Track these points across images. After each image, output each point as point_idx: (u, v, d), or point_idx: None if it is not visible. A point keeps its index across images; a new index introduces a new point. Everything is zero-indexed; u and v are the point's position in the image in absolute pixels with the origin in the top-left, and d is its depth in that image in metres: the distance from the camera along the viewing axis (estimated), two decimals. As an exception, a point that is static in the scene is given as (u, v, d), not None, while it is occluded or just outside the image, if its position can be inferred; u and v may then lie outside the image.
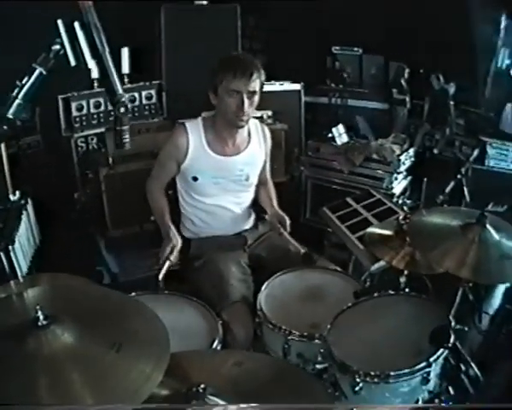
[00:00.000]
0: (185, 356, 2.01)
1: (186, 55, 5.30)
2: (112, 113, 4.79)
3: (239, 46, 5.61)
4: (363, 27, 6.41)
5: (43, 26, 2.21)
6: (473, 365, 2.76)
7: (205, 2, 5.76)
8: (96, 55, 2.18)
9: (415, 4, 5.98)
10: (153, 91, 5.46)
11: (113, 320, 1.82)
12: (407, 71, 6.76)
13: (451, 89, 6.57)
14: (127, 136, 2.29)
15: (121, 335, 1.73)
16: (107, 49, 2.19)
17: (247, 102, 3.17)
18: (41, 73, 2.16)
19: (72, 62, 2.19)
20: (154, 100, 5.47)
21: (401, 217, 3.20)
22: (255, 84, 3.19)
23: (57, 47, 2.16)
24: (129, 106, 4.51)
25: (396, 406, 2.34)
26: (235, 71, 3.15)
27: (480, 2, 6.01)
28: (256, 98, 3.25)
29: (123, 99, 2.23)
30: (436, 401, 2.42)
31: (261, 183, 3.69)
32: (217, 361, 2.04)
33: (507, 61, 3.07)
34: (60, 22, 2.16)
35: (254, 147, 3.53)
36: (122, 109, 2.24)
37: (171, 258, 3.09)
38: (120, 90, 2.23)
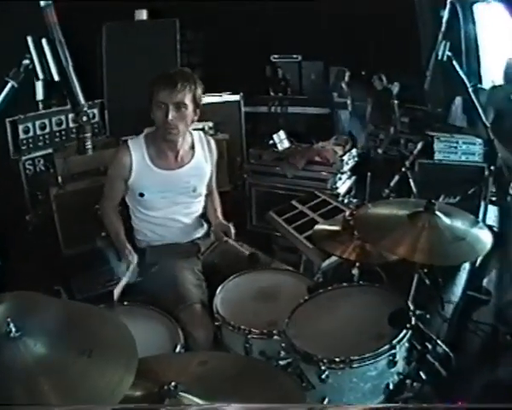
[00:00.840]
0: (154, 359, 2.08)
1: (127, 72, 5.34)
2: (57, 134, 4.86)
3: (178, 60, 5.64)
4: (302, 34, 6.54)
5: (15, 42, 2.29)
6: (439, 342, 2.85)
7: (145, 18, 5.81)
8: (61, 68, 2.26)
9: (353, 7, 6.14)
10: (95, 110, 5.48)
11: (80, 328, 1.85)
12: (347, 74, 6.91)
13: (395, 88, 6.72)
14: (89, 142, 2.39)
15: (90, 341, 1.77)
16: (70, 63, 2.28)
17: (171, 113, 3.22)
18: (13, 86, 2.24)
19: (40, 76, 2.28)
20: (96, 119, 5.49)
21: (347, 213, 3.29)
22: (182, 96, 3.23)
23: (27, 62, 2.25)
24: (71, 125, 4.56)
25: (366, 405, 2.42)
26: (160, 83, 3.23)
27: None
28: (187, 111, 3.28)
29: (85, 108, 2.31)
30: (408, 381, 2.50)
31: (207, 193, 3.74)
32: (184, 362, 2.10)
33: (448, 53, 3.14)
34: (29, 38, 2.24)
35: (199, 158, 3.57)
36: (84, 118, 2.32)
37: (128, 274, 3.10)
38: (83, 101, 2.31)
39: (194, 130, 3.65)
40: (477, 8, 6.59)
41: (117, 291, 2.94)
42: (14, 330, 1.65)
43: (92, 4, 5.29)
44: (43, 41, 2.25)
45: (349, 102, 6.78)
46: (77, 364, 1.68)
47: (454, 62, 3.17)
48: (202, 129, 5.05)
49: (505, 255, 4.38)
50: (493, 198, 4.57)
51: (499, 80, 4.89)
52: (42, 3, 2.24)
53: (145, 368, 1.83)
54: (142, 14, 5.90)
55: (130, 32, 5.61)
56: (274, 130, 5.88)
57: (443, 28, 3.18)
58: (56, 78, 2.28)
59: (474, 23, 6.69)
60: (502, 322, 4.30)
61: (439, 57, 3.16)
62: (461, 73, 3.24)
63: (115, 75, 5.44)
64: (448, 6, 3.22)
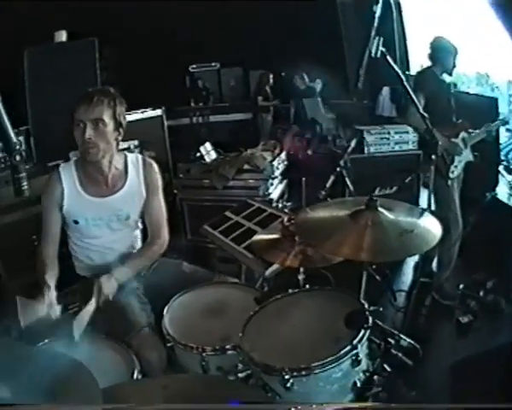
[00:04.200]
0: (117, 388, 2.04)
1: (50, 95, 5.24)
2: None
3: (98, 79, 5.57)
4: (219, 41, 6.57)
5: None
6: (402, 336, 2.86)
7: (64, 40, 5.72)
8: None
9: (269, 8, 6.19)
10: (21, 138, 5.34)
11: (44, 371, 1.81)
12: (271, 77, 6.97)
13: (318, 86, 6.82)
14: (25, 183, 2.29)
15: (53, 382, 1.73)
16: None
17: (88, 130, 3.07)
18: None
19: None
20: (23, 146, 5.35)
21: (285, 219, 3.26)
22: (99, 112, 3.09)
23: None
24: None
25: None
26: (77, 101, 3.10)
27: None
28: (106, 128, 3.13)
29: (17, 147, 2.22)
30: (375, 377, 2.48)
31: (150, 235, 3.49)
32: (146, 388, 2.07)
33: (382, 49, 3.07)
34: None
35: (133, 184, 3.40)
36: (18, 157, 2.23)
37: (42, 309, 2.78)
38: (15, 139, 2.21)
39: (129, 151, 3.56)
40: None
41: (25, 320, 2.68)
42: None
43: (11, 29, 5.20)
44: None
45: (272, 105, 6.87)
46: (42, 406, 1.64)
47: (388, 58, 3.12)
48: (128, 148, 4.99)
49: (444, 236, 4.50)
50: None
51: (426, 63, 4.92)
52: None
53: (109, 398, 1.80)
54: (62, 36, 5.80)
55: (51, 54, 5.51)
56: (198, 141, 5.87)
57: (375, 24, 3.12)
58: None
59: (400, 10, 6.83)
60: (440, 294, 4.55)
61: (373, 54, 3.10)
62: (396, 67, 3.16)
63: (39, 100, 5.34)
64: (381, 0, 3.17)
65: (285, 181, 5.72)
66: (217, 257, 4.96)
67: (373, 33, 3.08)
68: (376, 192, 4.80)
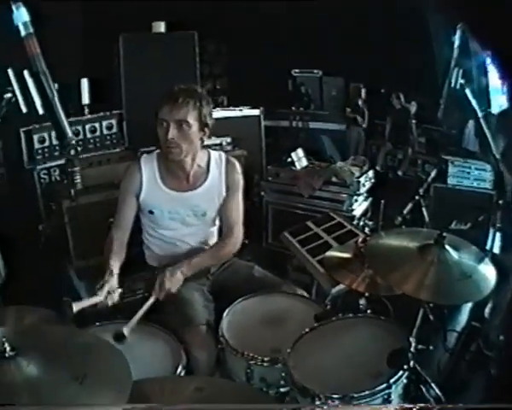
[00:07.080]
0: (148, 382, 2.05)
1: (145, 83, 5.32)
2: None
3: (197, 72, 5.62)
4: (323, 50, 6.54)
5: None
6: (433, 386, 2.79)
7: (162, 30, 5.82)
8: (46, 101, 2.18)
9: (372, 25, 6.13)
10: (113, 121, 5.47)
11: (77, 354, 1.83)
12: (363, 91, 6.91)
13: (413, 108, 6.73)
14: (78, 176, 2.32)
15: (85, 367, 1.75)
16: (56, 95, 2.20)
17: (172, 131, 3.07)
18: None
19: (24, 109, 2.19)
20: (114, 130, 5.47)
21: (360, 240, 3.22)
22: (184, 113, 3.08)
23: (9, 95, 2.17)
24: (89, 136, 4.50)
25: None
26: (162, 100, 3.10)
27: (440, 20, 6.15)
28: (190, 130, 3.13)
29: (73, 142, 2.24)
30: None
31: (224, 233, 3.51)
32: (179, 386, 2.06)
33: (461, 81, 3.03)
34: (10, 71, 2.16)
35: (213, 182, 3.39)
36: (72, 152, 2.24)
37: (100, 294, 2.83)
38: (70, 134, 2.23)
39: (214, 148, 3.54)
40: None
41: (78, 306, 2.69)
42: (8, 349, 1.65)
43: (109, 15, 5.32)
44: (25, 73, 2.17)
45: (359, 118, 6.81)
46: (66, 389, 1.67)
47: (467, 91, 3.08)
48: (220, 144, 5.02)
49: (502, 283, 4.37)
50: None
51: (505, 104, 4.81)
52: (22, 33, 2.15)
53: (137, 393, 1.81)
54: (160, 27, 5.92)
55: (148, 43, 5.71)
56: (295, 145, 5.86)
57: (455, 54, 3.10)
58: (41, 111, 2.18)
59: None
60: (485, 343, 4.30)
61: (453, 85, 3.07)
62: (473, 103, 3.16)
63: (133, 86, 5.44)
64: (458, 31, 3.13)
65: (370, 199, 5.64)
66: (292, 265, 4.94)
67: (452, 64, 3.04)
68: (452, 226, 4.68)
